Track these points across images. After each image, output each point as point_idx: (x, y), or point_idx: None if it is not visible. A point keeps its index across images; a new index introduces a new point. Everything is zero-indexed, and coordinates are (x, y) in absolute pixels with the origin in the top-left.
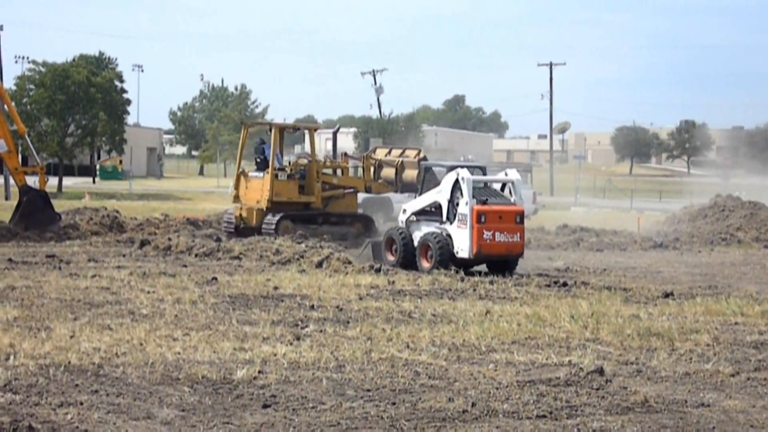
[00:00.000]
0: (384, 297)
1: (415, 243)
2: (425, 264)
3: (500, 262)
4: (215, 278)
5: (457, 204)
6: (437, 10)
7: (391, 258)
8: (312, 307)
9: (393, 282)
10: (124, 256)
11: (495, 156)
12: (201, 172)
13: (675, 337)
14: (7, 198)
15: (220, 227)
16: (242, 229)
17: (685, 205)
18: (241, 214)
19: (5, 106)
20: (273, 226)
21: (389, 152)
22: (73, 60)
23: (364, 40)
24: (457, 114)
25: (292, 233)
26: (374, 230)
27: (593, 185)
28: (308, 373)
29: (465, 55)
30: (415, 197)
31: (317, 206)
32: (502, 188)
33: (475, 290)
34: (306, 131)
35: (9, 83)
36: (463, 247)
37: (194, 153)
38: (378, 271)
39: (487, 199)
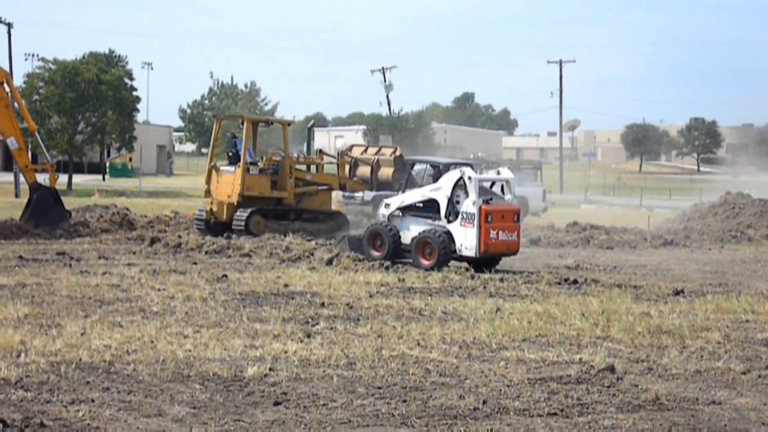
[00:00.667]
0: (394, 294)
1: (404, 239)
2: (423, 261)
3: (489, 260)
4: (225, 275)
5: (458, 202)
6: (447, 7)
7: (376, 254)
8: (322, 304)
9: (403, 280)
10: (134, 253)
11: (505, 153)
12: None
13: (686, 334)
14: (17, 195)
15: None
16: (213, 224)
17: (695, 203)
18: (211, 209)
19: (15, 104)
20: (243, 221)
21: (365, 150)
22: (83, 58)
23: (374, 38)
24: (467, 111)
25: (263, 229)
26: (347, 227)
27: (603, 183)
28: (319, 370)
29: (474, 52)
30: (398, 193)
31: (289, 202)
32: (492, 185)
33: (485, 288)
34: (281, 126)
35: (19, 81)
36: (468, 245)
37: (204, 150)
38: (388, 268)
39: (491, 198)
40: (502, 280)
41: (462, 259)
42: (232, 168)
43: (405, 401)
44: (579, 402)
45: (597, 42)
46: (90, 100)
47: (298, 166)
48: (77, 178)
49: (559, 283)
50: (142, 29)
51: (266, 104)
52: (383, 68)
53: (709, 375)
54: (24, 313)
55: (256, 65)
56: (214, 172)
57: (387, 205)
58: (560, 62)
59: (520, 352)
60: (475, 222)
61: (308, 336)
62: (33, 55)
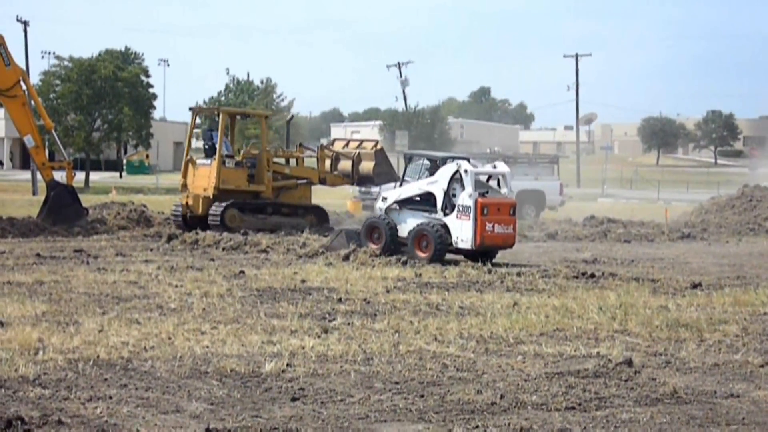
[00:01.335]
0: (411, 289)
1: (402, 232)
2: (420, 254)
3: (485, 252)
4: (243, 272)
5: (454, 195)
6: (463, 1)
7: (373, 246)
8: (339, 300)
9: (420, 274)
10: (151, 250)
11: (521, 148)
12: None
13: (704, 327)
14: (34, 193)
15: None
16: (190, 218)
17: (713, 196)
18: (187, 203)
19: (32, 102)
20: (218, 215)
21: (347, 144)
22: (99, 55)
23: (390, 33)
24: (483, 106)
25: (239, 223)
26: (327, 221)
27: (620, 176)
28: (336, 366)
29: (490, 46)
30: (395, 187)
31: (267, 196)
32: (489, 179)
33: (502, 282)
34: (260, 119)
35: (35, 78)
36: (464, 237)
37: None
38: (405, 263)
39: (487, 192)
40: (519, 274)
41: (459, 251)
42: (209, 161)
43: (422, 396)
44: (597, 396)
45: (613, 35)
46: (106, 98)
47: (276, 160)
48: (94, 176)
49: (577, 277)
50: (158, 26)
51: (282, 100)
52: (399, 63)
53: (727, 368)
54: (42, 310)
55: (272, 61)
56: (190, 165)
57: (384, 199)
58: (576, 56)
59: (538, 346)
60: (471, 215)
61: (325, 331)
62: (49, 53)
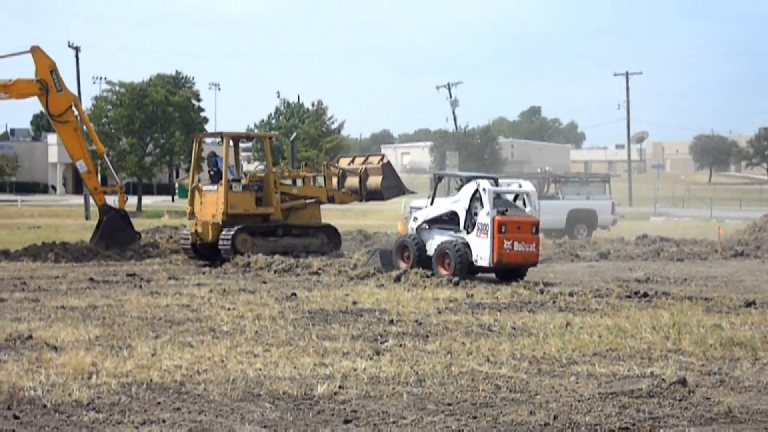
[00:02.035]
0: (463, 310)
1: (429, 251)
2: (443, 271)
3: (511, 270)
4: (294, 294)
5: (476, 214)
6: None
7: (403, 265)
8: (391, 321)
9: (471, 295)
10: (203, 273)
11: (572, 167)
12: None
13: (758, 346)
14: (87, 218)
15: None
16: (200, 246)
17: (766, 213)
18: (197, 230)
19: (84, 127)
20: (229, 241)
21: (353, 160)
22: (150, 80)
23: (440, 54)
24: (534, 125)
25: (251, 247)
26: (338, 241)
27: (672, 194)
28: (388, 387)
29: (541, 66)
30: (426, 206)
31: (277, 218)
32: (515, 198)
33: (554, 302)
34: (264, 140)
35: (87, 104)
36: (482, 255)
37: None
38: (456, 284)
39: (506, 210)
40: (571, 294)
41: (482, 270)
42: (215, 187)
43: (475, 417)
44: (650, 416)
45: (664, 53)
46: (158, 122)
47: (283, 181)
48: (146, 200)
49: (630, 297)
50: (209, 50)
51: (333, 122)
52: (449, 84)
53: None
54: (95, 334)
55: (323, 83)
56: (196, 192)
57: (415, 219)
58: (627, 74)
59: (591, 366)
60: (489, 232)
61: (377, 353)
62: (100, 78)
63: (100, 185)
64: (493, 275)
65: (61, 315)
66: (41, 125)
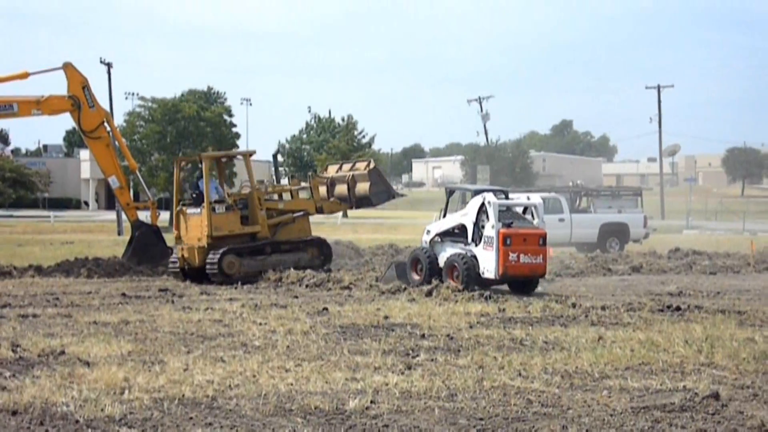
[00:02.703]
0: (494, 325)
1: (441, 263)
2: (452, 283)
3: (522, 282)
4: (326, 308)
5: (483, 226)
6: (543, 35)
7: (416, 277)
8: (422, 336)
9: (503, 309)
10: (235, 288)
11: (604, 180)
12: None
13: None
14: (119, 233)
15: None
16: (188, 271)
17: None
18: (183, 255)
19: (116, 143)
20: (216, 264)
21: (340, 167)
22: (182, 95)
23: (471, 68)
24: (565, 139)
25: (239, 269)
26: (329, 254)
27: (705, 208)
28: (420, 402)
29: (571, 79)
30: (438, 219)
31: (264, 235)
32: (525, 211)
33: (586, 316)
34: (242, 158)
35: (119, 119)
36: (489, 267)
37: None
38: (488, 298)
39: (512, 222)
40: (604, 308)
41: (490, 282)
42: (198, 209)
43: None
44: (683, 430)
45: (696, 65)
46: (190, 137)
47: (268, 196)
48: None
49: (662, 310)
50: (240, 65)
51: (363, 136)
52: (480, 98)
53: None
54: (127, 349)
55: (354, 98)
56: (181, 216)
57: (428, 231)
58: (658, 87)
59: (623, 380)
60: (494, 245)
61: (409, 368)
62: (132, 94)
63: (133, 201)
64: (505, 287)
65: (94, 330)
66: (74, 141)
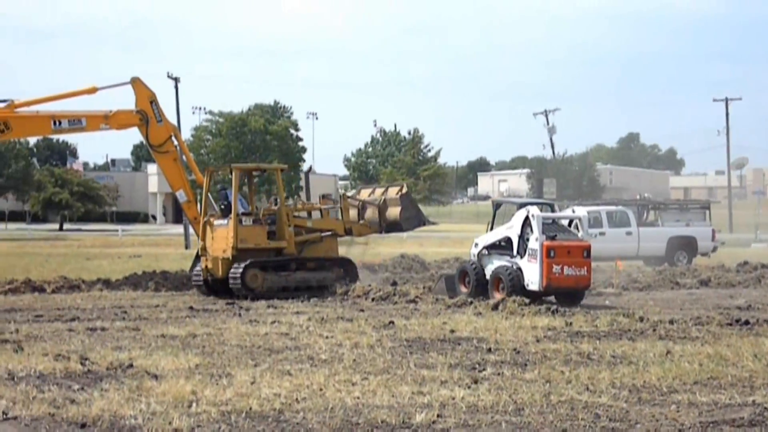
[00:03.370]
0: (561, 339)
1: (488, 275)
2: (497, 295)
3: (568, 294)
4: (392, 322)
5: (527, 239)
6: (609, 47)
7: (464, 290)
8: (489, 350)
9: (570, 323)
10: (302, 301)
11: (672, 193)
12: None
13: None
14: (187, 247)
15: (395, 270)
16: (212, 282)
17: None
18: (207, 266)
19: (183, 157)
20: (239, 277)
21: (373, 191)
22: (249, 109)
23: (537, 80)
24: (632, 152)
25: (262, 283)
26: (355, 274)
27: None
28: (487, 416)
29: (638, 92)
30: (486, 232)
31: (290, 252)
32: (571, 224)
33: (654, 330)
34: (275, 172)
35: (186, 134)
36: (533, 280)
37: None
38: (555, 312)
39: (555, 235)
40: (671, 322)
41: (535, 294)
42: (225, 221)
43: None
44: None
45: (764, 78)
46: (257, 151)
47: (298, 214)
48: None
49: (731, 324)
50: (306, 80)
51: (429, 150)
52: (546, 111)
53: None
54: (195, 363)
55: (420, 111)
56: (207, 227)
57: (476, 245)
58: (726, 100)
59: (692, 395)
60: (538, 257)
61: (475, 382)
62: (199, 109)
63: (200, 214)
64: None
65: (162, 343)
66: (141, 155)
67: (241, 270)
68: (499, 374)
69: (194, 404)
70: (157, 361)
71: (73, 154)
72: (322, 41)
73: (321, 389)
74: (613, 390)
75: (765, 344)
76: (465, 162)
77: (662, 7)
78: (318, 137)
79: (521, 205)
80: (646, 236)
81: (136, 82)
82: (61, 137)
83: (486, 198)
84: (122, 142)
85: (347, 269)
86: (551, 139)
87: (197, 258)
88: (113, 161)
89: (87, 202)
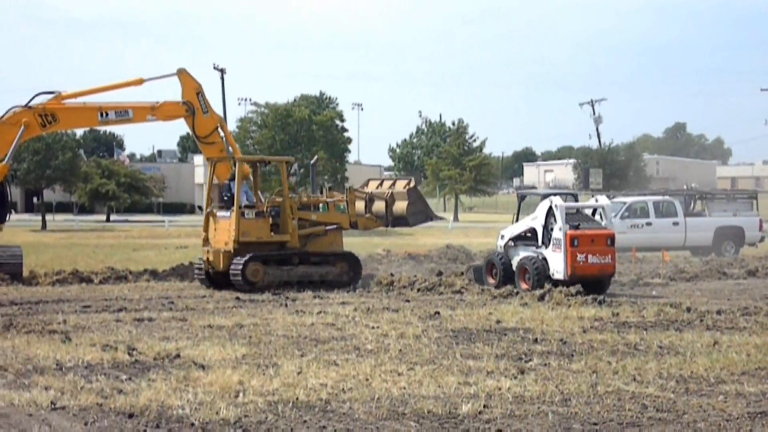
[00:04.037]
0: (608, 329)
1: (514, 266)
2: (524, 285)
3: (594, 282)
4: (438, 312)
5: (551, 229)
6: (655, 37)
7: (491, 281)
8: (535, 340)
9: (617, 314)
10: (348, 292)
11: (719, 183)
12: None
13: None
14: None
15: (440, 261)
16: (213, 275)
17: None
18: (208, 258)
19: (230, 148)
20: (240, 270)
21: (380, 184)
22: (295, 100)
23: (583, 70)
24: (679, 142)
25: (263, 277)
26: (359, 270)
27: None
28: (533, 407)
29: (685, 81)
30: (512, 224)
31: (293, 245)
32: (594, 213)
33: (702, 321)
34: (281, 164)
35: (232, 125)
36: (558, 269)
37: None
38: (601, 303)
39: (579, 224)
40: (719, 312)
41: (561, 283)
42: (228, 213)
43: None
44: None
45: None
46: (302, 142)
47: (302, 206)
48: None
49: None
50: (352, 72)
51: (474, 140)
52: (592, 101)
53: None
54: (242, 353)
55: (465, 102)
56: (210, 218)
57: (502, 236)
58: None
59: (740, 385)
60: (562, 247)
61: (522, 372)
62: (246, 100)
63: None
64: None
65: (209, 334)
66: (188, 146)
67: (242, 264)
68: (545, 365)
69: (241, 394)
70: (204, 351)
71: (120, 145)
72: (368, 33)
73: (367, 379)
74: (660, 381)
75: None
76: (510, 152)
77: None
78: (363, 128)
79: (544, 196)
80: (692, 226)
81: (182, 74)
82: (108, 129)
83: (533, 188)
84: (169, 134)
85: (351, 264)
86: (597, 129)
87: None
88: (160, 152)
89: (133, 193)
